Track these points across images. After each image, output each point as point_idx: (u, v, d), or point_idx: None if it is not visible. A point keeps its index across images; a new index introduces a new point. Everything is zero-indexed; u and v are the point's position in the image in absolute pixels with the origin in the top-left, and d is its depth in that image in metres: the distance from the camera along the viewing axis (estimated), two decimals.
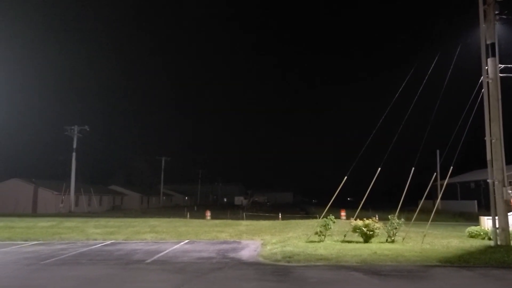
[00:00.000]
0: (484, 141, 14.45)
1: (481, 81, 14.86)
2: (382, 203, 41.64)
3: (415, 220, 16.59)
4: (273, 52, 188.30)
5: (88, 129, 49.85)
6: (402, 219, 15.41)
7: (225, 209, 55.35)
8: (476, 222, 19.36)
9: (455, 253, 12.38)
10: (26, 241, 17.06)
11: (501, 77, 14.77)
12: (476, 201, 43.95)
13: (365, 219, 15.13)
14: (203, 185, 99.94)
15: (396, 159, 23.95)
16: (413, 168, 16.54)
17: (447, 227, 24.19)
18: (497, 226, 13.91)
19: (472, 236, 16.57)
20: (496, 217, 13.96)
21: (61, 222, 25.66)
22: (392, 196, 34.58)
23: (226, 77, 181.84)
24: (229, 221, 27.54)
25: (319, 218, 17.46)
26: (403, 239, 15.13)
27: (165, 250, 14.04)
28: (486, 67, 14.73)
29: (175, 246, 15.11)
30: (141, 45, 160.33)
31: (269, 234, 18.80)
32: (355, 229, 14.94)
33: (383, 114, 16.75)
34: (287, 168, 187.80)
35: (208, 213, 33.66)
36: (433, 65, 16.15)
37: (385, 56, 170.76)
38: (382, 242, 14.67)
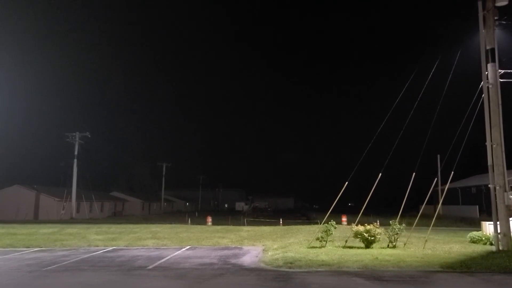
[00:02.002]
0: (485, 146, 14.47)
1: (481, 86, 14.91)
2: (383, 208, 41.64)
3: (416, 225, 16.57)
4: (274, 58, 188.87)
5: (89, 136, 49.98)
6: (403, 225, 15.40)
7: (226, 215, 55.20)
8: (478, 227, 19.33)
9: (457, 259, 12.36)
10: (28, 247, 17.08)
11: (501, 82, 14.83)
12: (477, 206, 43.87)
13: (366, 224, 15.12)
14: (204, 191, 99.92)
15: (397, 164, 23.97)
16: (414, 173, 16.55)
17: (448, 232, 24.13)
18: (498, 231, 13.90)
19: (473, 241, 16.54)
20: (498, 222, 13.95)
21: (63, 229, 25.67)
22: (393, 201, 34.57)
23: (228, 83, 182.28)
24: (231, 227, 27.52)
25: (320, 223, 17.47)
26: (405, 244, 15.12)
27: (166, 256, 14.05)
28: (486, 73, 14.79)
29: (177, 252, 15.11)
30: (143, 51, 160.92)
31: (271, 240, 18.80)
32: (357, 234, 14.93)
33: (383, 119, 16.81)
34: (288, 174, 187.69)
35: (209, 219, 33.63)
36: (433, 70, 16.22)
37: (386, 61, 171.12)
38: (383, 248, 14.66)
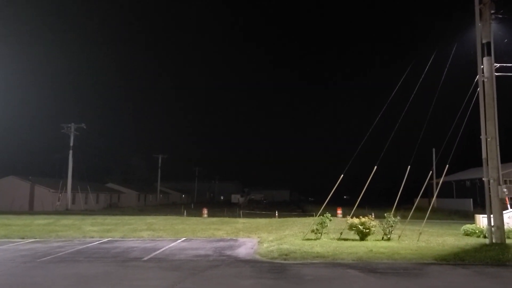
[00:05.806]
0: (480, 140, 14.52)
1: (477, 80, 14.93)
2: (378, 201, 41.82)
3: (411, 218, 16.67)
4: (271, 50, 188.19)
5: (85, 127, 49.72)
6: (398, 217, 15.48)
7: (222, 207, 55.37)
8: (472, 220, 19.48)
9: (451, 251, 12.45)
10: (23, 238, 17.05)
11: (496, 76, 14.84)
12: (471, 199, 44.17)
13: (361, 217, 15.19)
14: (200, 183, 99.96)
15: (392, 157, 24.05)
16: (409, 167, 16.62)
17: (442, 225, 24.30)
18: (492, 224, 13.99)
19: (467, 234, 16.68)
20: (491, 215, 14.04)
21: (58, 220, 25.65)
22: (388, 194, 34.71)
23: (224, 76, 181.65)
24: (226, 219, 27.60)
25: (316, 216, 17.54)
26: (399, 237, 15.21)
27: (162, 248, 14.07)
28: (482, 66, 14.79)
29: (172, 244, 15.14)
30: (139, 43, 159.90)
31: (266, 232, 18.86)
32: (351, 227, 15.01)
33: (379, 112, 16.82)
34: (284, 166, 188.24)
35: (205, 211, 33.70)
36: (429, 63, 16.21)
37: (382, 54, 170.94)
38: (378, 240, 14.74)
